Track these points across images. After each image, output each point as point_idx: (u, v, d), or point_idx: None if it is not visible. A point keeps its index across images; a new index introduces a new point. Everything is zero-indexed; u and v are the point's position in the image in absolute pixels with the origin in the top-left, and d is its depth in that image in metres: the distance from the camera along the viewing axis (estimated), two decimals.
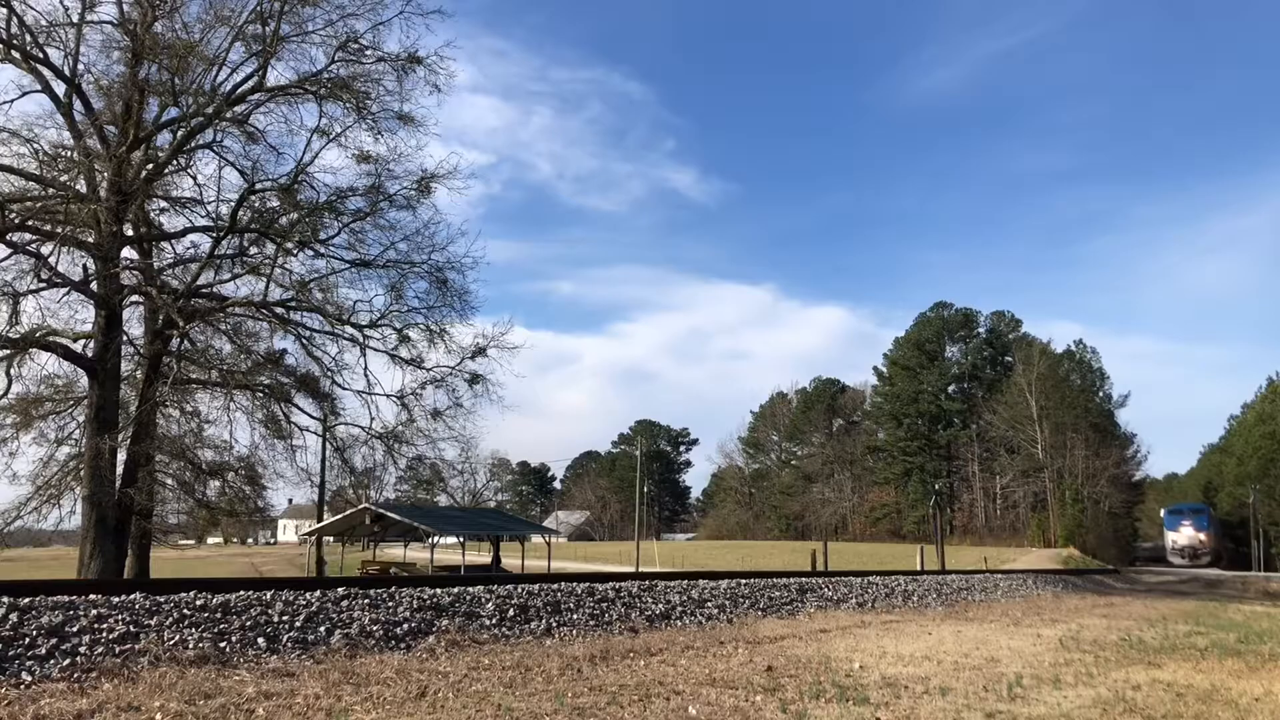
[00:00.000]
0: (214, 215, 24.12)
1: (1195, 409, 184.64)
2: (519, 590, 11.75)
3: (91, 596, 7.93)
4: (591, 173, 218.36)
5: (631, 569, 44.58)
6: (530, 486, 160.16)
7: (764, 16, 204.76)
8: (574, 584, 13.04)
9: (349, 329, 24.61)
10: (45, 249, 21.31)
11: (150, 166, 22.77)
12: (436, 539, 37.60)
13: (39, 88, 21.71)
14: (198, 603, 8.20)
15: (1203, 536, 72.00)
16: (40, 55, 21.51)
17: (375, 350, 25.08)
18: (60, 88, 21.78)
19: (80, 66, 21.94)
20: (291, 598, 9.03)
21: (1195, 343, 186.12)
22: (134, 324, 24.74)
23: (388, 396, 25.50)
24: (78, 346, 22.35)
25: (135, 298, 23.49)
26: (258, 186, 23.68)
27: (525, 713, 6.07)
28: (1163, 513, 78.62)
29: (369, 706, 6.07)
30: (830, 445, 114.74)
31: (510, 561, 44.66)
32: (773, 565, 47.67)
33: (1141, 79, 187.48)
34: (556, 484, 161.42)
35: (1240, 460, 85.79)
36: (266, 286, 23.22)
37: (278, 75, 23.30)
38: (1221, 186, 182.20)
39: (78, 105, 22.06)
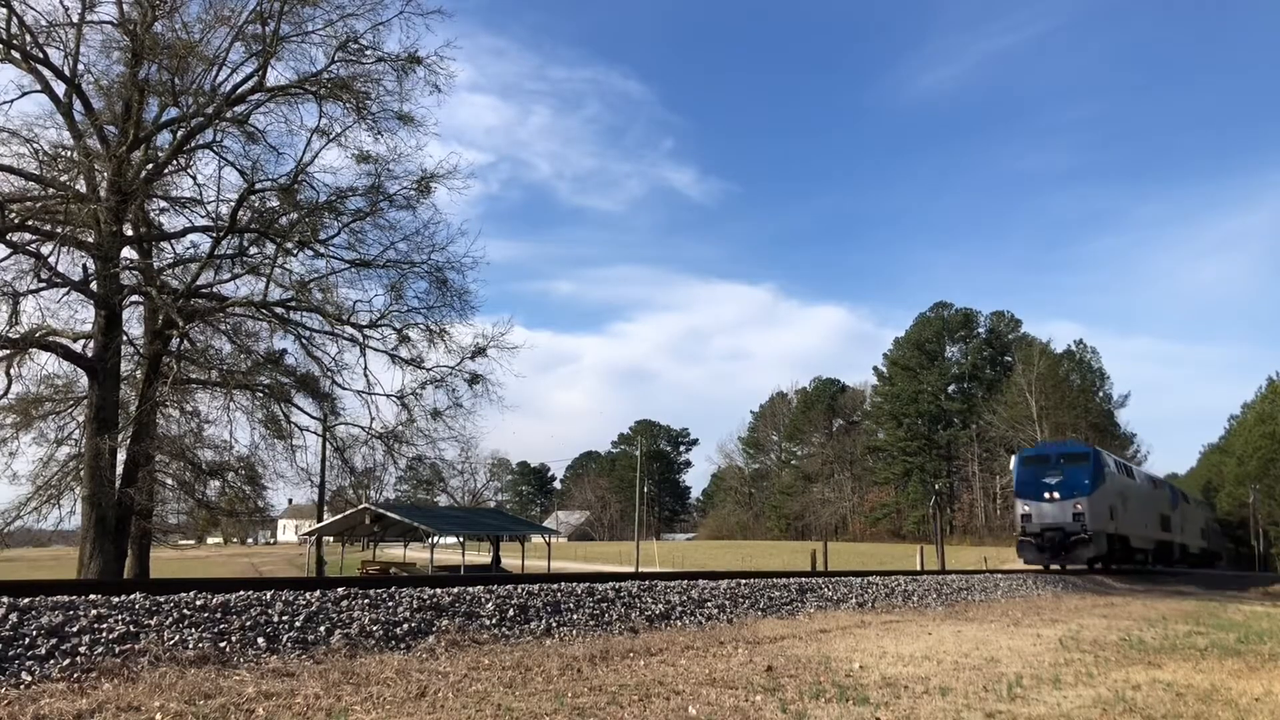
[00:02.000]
0: (214, 215, 24.14)
1: (1195, 409, 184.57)
2: (519, 590, 11.75)
3: (91, 596, 7.93)
4: (590, 172, 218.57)
5: (631, 569, 44.58)
6: (530, 486, 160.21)
7: (762, 15, 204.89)
8: (574, 584, 13.04)
9: (349, 329, 24.63)
10: (45, 249, 21.32)
11: (150, 166, 22.77)
12: (436, 539, 37.60)
13: (39, 88, 21.71)
14: (198, 603, 8.20)
15: (1079, 506, 34.45)
16: (40, 55, 21.51)
17: (375, 350, 25.11)
18: (60, 88, 21.80)
19: (80, 66, 21.96)
20: (291, 598, 9.03)
21: (1195, 343, 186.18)
22: (134, 324, 24.77)
23: (388, 396, 25.54)
24: (78, 346, 22.36)
25: (135, 298, 23.49)
26: (258, 186, 23.70)
27: (525, 713, 6.07)
28: (1013, 461, 39.91)
29: (369, 706, 6.07)
30: (830, 445, 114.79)
31: (510, 561, 44.66)
32: (772, 565, 47.68)
33: (1141, 79, 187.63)
34: (556, 484, 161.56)
35: (1240, 460, 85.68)
36: (266, 286, 23.24)
37: (278, 75, 23.34)
38: (1221, 186, 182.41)
39: (78, 105, 22.06)
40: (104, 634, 7.19)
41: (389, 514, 35.25)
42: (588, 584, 13.22)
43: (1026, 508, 35.80)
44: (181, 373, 23.78)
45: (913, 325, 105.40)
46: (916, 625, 14.09)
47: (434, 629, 9.55)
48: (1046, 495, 35.31)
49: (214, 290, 24.36)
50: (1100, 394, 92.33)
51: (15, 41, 21.13)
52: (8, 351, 21.24)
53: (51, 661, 6.63)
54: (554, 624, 11.00)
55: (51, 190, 21.43)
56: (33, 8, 21.11)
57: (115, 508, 21.47)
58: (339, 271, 24.70)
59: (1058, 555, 34.43)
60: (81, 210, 20.18)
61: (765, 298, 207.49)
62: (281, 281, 23.67)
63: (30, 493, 23.60)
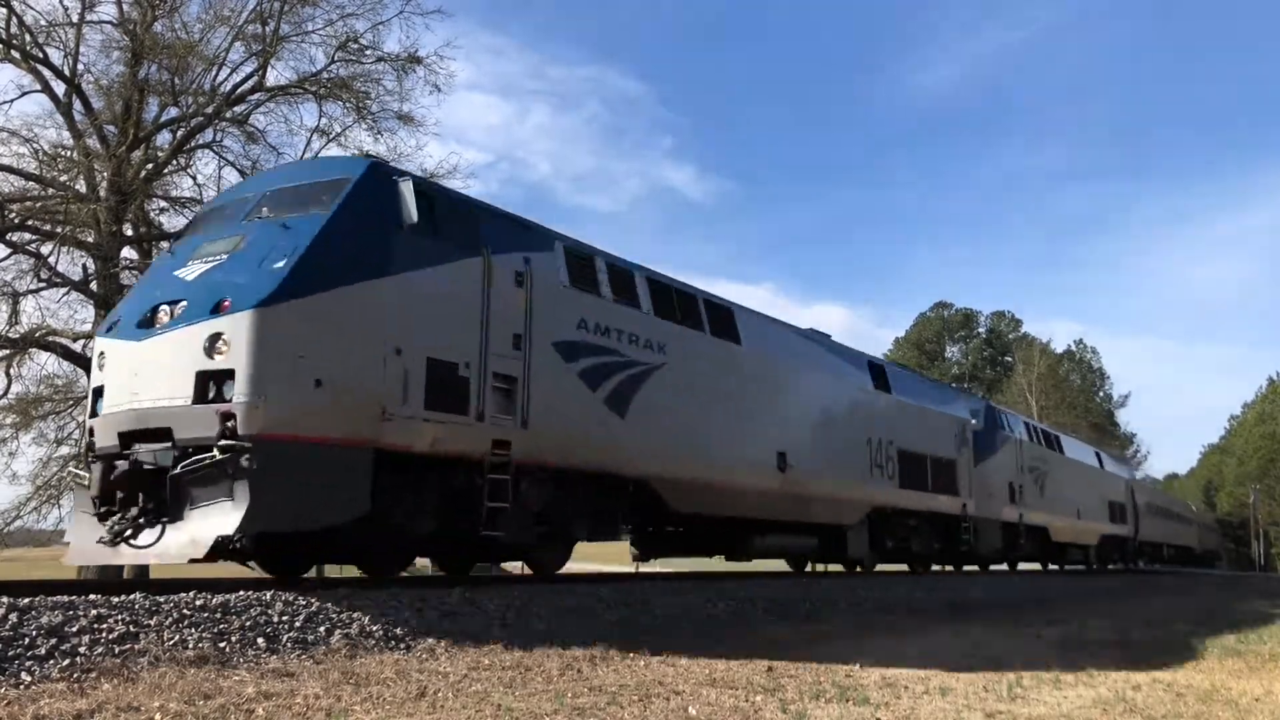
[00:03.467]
0: None
1: (1195, 409, 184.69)
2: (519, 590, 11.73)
3: (91, 596, 7.91)
4: (589, 171, 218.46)
5: (631, 569, 44.50)
6: None
7: (762, 14, 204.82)
8: (573, 584, 13.03)
9: None
10: (45, 249, 21.35)
11: (150, 166, 22.79)
12: None
13: (39, 88, 21.74)
14: (197, 603, 8.19)
15: (222, 352, 7.70)
16: (40, 55, 21.53)
17: None
18: (60, 88, 21.82)
19: (80, 66, 21.98)
20: (291, 598, 9.02)
21: (1195, 343, 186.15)
22: None
23: None
24: (78, 346, 22.36)
25: None
26: None
27: (525, 712, 6.07)
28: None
29: (369, 706, 6.07)
30: None
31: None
32: (773, 565, 47.56)
33: (1142, 77, 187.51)
34: None
35: (1240, 460, 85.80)
36: None
37: (277, 75, 23.38)
38: (1221, 186, 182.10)
39: (77, 105, 22.08)
40: (104, 634, 7.19)
41: None
42: (587, 584, 13.20)
43: (100, 370, 9.04)
44: None
45: (913, 325, 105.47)
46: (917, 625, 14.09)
47: (434, 629, 9.54)
48: (155, 318, 8.47)
49: None
50: (1100, 394, 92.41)
51: (15, 41, 21.15)
52: (8, 351, 21.25)
53: (51, 662, 6.63)
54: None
55: (51, 190, 21.44)
56: (33, 8, 21.16)
57: None
58: None
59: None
60: (81, 210, 20.19)
61: (765, 297, 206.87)
62: None
63: (30, 493, 23.62)
